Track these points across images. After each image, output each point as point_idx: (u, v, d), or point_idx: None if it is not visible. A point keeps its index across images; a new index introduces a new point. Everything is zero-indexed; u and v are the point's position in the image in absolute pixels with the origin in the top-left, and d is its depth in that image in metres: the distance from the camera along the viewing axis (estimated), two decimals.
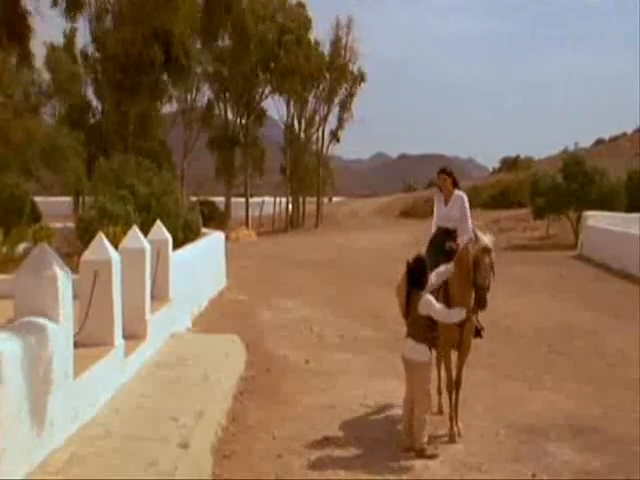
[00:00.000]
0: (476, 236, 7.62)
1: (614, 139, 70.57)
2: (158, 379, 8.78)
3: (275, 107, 54.90)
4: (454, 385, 8.03)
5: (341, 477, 6.75)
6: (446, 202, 8.81)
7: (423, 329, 7.47)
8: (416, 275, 7.59)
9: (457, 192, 8.82)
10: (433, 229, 8.94)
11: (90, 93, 43.42)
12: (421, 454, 7.31)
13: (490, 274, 7.49)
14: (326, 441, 7.68)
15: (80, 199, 39.55)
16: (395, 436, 7.92)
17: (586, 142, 64.25)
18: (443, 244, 8.44)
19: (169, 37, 35.79)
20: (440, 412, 8.50)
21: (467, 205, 8.79)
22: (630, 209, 29.93)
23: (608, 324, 14.21)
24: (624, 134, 71.89)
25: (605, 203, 30.29)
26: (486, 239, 7.58)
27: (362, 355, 11.62)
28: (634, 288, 19.08)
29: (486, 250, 7.50)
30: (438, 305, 7.45)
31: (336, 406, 8.92)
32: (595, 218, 27.97)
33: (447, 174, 8.86)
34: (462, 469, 7.07)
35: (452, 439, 7.77)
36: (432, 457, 7.28)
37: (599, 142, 70.51)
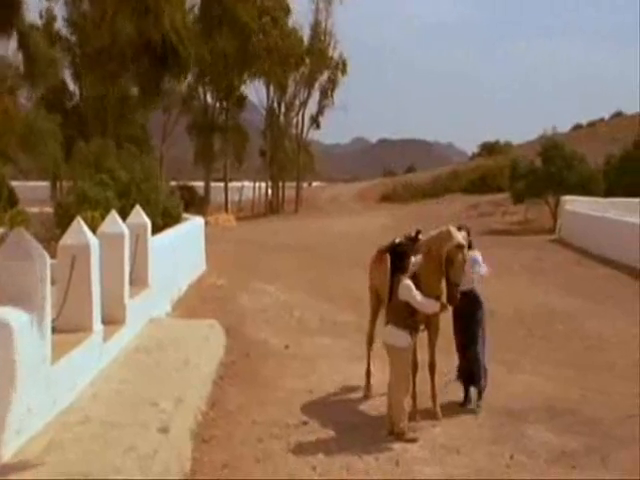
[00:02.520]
0: (449, 232, 7.63)
1: (592, 124, 71.03)
2: (137, 364, 8.74)
3: (255, 92, 54.73)
4: (429, 368, 8.11)
5: (321, 460, 6.77)
6: None
7: (403, 315, 7.49)
8: (398, 260, 7.61)
9: (471, 253, 8.24)
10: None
11: (68, 76, 43.02)
12: (401, 437, 7.35)
13: (462, 271, 7.60)
14: (306, 425, 7.69)
15: (58, 184, 39.14)
16: (375, 420, 7.96)
17: (564, 127, 64.71)
18: (465, 310, 8.15)
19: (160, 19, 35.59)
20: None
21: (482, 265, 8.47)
22: (608, 194, 30.17)
23: (587, 308, 14.33)
24: (601, 119, 72.47)
25: (583, 188, 30.52)
26: (459, 236, 7.62)
27: (342, 339, 11.64)
28: (612, 272, 19.27)
29: (459, 247, 7.55)
30: (416, 292, 7.48)
31: (316, 390, 8.94)
32: (573, 203, 28.18)
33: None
34: (441, 451, 7.12)
35: (436, 416, 7.92)
36: (412, 440, 7.32)
37: (577, 127, 70.96)
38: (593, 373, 9.90)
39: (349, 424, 7.79)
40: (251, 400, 8.56)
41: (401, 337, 7.49)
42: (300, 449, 7.04)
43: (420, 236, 8.27)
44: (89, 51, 38.87)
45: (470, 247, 8.16)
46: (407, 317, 7.51)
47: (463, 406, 8.38)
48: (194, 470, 6.47)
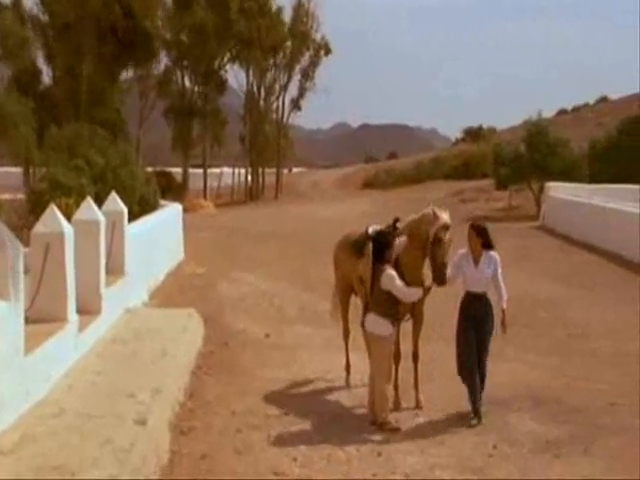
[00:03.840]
0: (434, 213, 7.63)
1: (576, 109, 71.39)
2: (113, 355, 8.70)
3: (234, 75, 54.39)
4: (412, 357, 8.15)
5: (302, 451, 6.79)
6: (476, 262, 7.88)
7: (386, 304, 7.52)
8: (379, 250, 7.64)
9: (491, 253, 7.92)
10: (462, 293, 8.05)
11: (40, 58, 42.55)
12: (383, 427, 7.38)
13: (449, 251, 7.61)
14: (286, 416, 7.72)
15: (31, 170, 38.78)
16: (356, 411, 8.01)
17: (549, 112, 64.89)
18: (476, 313, 7.84)
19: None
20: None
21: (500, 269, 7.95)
22: (592, 180, 30.37)
23: (571, 295, 14.44)
24: (586, 104, 72.83)
25: (568, 174, 30.70)
26: (445, 216, 7.62)
27: (323, 328, 11.63)
28: (596, 259, 19.43)
29: (446, 227, 7.56)
30: (399, 281, 7.50)
31: (296, 380, 8.98)
32: (558, 189, 28.34)
33: (477, 233, 7.88)
34: (424, 441, 7.17)
35: (418, 405, 8.00)
36: (394, 430, 7.36)
37: (562, 112, 71.26)
38: (577, 361, 9.99)
39: (330, 415, 7.82)
40: (230, 390, 8.56)
41: (383, 326, 7.52)
42: (280, 440, 7.06)
43: (398, 224, 8.27)
44: (58, 25, 38.40)
45: (491, 246, 7.92)
46: (390, 306, 7.54)
47: (474, 419, 7.74)
48: (172, 462, 6.47)
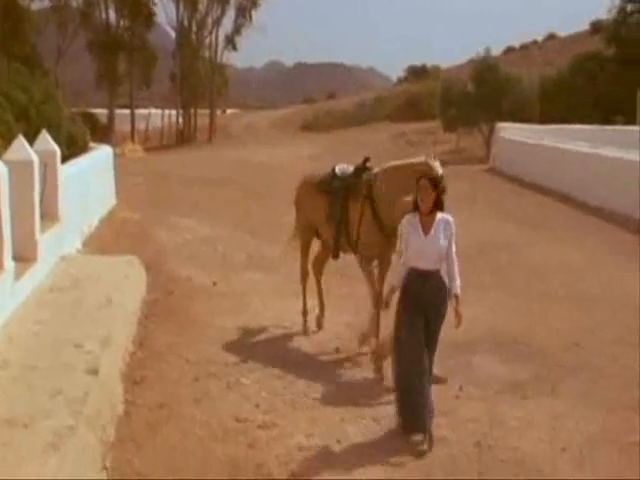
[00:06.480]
0: (427, 164, 7.31)
1: (525, 47, 72.01)
2: (54, 304, 8.59)
3: (164, 9, 53.01)
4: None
5: (264, 398, 6.89)
6: (425, 229, 6.31)
7: None
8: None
9: (446, 216, 6.41)
10: (401, 271, 6.48)
11: None
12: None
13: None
14: (245, 363, 7.79)
15: None
16: (316, 356, 8.14)
17: (496, 50, 65.25)
18: (426, 300, 6.31)
19: None
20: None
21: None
22: (543, 120, 30.87)
23: (526, 237, 14.81)
24: (535, 42, 73.46)
25: (518, 114, 31.13)
26: (439, 167, 7.23)
27: (273, 274, 11.72)
28: (548, 200, 19.95)
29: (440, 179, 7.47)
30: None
31: (251, 328, 9.04)
32: (508, 130, 28.73)
33: (431, 182, 6.35)
34: (387, 383, 7.31)
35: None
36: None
37: (509, 50, 71.77)
38: (537, 302, 10.30)
39: (290, 361, 7.93)
40: (180, 339, 8.57)
41: None
42: (241, 387, 7.14)
43: (368, 164, 8.32)
44: None
45: (441, 207, 6.41)
46: None
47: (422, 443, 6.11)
48: (128, 412, 6.49)
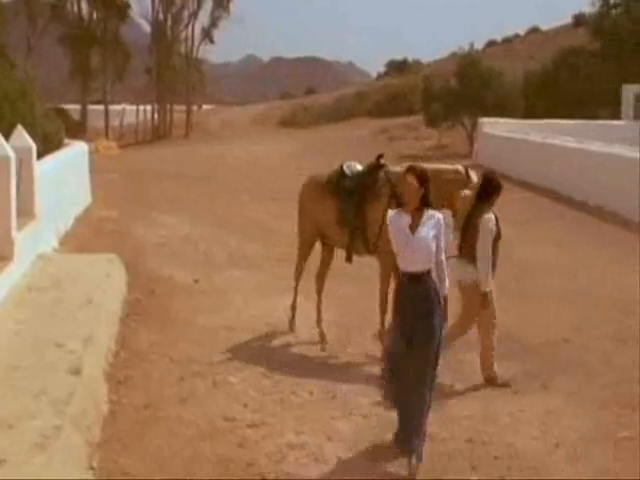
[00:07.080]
0: (467, 174, 7.65)
1: (507, 40, 72.42)
2: (33, 304, 8.57)
3: (138, 2, 52.65)
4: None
5: (252, 397, 6.91)
6: (412, 226, 5.89)
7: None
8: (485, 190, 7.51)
9: (434, 213, 5.97)
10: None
11: None
12: (492, 382, 7.49)
13: None
14: (231, 362, 7.81)
15: None
16: (303, 355, 8.18)
17: (477, 43, 65.47)
18: (416, 304, 5.90)
19: None
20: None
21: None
22: (527, 115, 31.09)
23: (512, 233, 14.82)
24: (517, 35, 73.94)
25: (502, 108, 31.31)
26: (476, 179, 7.65)
27: (255, 272, 11.76)
28: (534, 197, 20.09)
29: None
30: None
31: (235, 326, 9.04)
32: (491, 125, 28.90)
33: (417, 176, 5.89)
34: (377, 382, 7.35)
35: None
36: (504, 385, 7.46)
37: (491, 43, 72.17)
38: (526, 299, 10.38)
39: (277, 360, 7.95)
40: (163, 338, 8.58)
41: (474, 272, 7.55)
42: (228, 386, 7.16)
43: (382, 161, 8.19)
44: None
45: (429, 204, 5.97)
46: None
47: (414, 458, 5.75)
48: (114, 412, 6.49)
